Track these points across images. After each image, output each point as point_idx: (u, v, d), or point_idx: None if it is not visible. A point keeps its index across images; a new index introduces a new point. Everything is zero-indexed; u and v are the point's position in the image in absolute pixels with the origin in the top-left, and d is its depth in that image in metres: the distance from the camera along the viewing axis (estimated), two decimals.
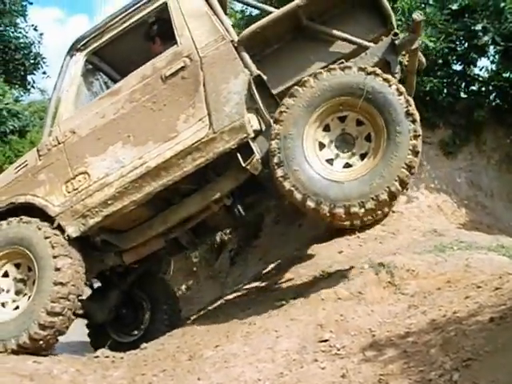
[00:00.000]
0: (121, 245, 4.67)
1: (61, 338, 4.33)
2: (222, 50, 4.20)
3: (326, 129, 3.92)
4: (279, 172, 3.79)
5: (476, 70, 7.41)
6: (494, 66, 7.25)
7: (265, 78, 4.12)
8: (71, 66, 4.64)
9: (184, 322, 5.33)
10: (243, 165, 4.09)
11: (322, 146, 3.90)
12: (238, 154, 4.12)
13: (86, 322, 5.40)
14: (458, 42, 6.93)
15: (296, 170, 3.76)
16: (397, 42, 4.02)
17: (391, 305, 3.76)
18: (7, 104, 11.03)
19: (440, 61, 6.98)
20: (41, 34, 13.77)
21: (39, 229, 4.26)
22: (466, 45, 6.96)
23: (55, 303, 4.07)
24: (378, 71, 3.79)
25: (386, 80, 3.76)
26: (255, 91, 4.08)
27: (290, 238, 6.62)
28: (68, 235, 4.31)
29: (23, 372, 3.51)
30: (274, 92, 4.20)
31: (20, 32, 13.29)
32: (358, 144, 3.87)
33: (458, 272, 3.96)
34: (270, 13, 4.39)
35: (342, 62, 3.94)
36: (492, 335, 2.73)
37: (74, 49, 4.65)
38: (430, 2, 7.08)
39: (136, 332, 5.47)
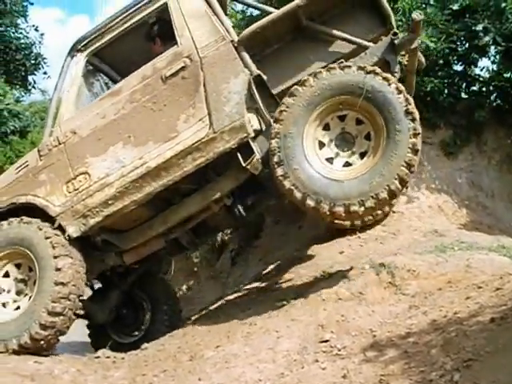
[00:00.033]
0: (121, 245, 4.67)
1: (62, 338, 4.33)
2: (222, 50, 4.21)
3: (326, 128, 3.93)
4: (279, 171, 3.80)
5: (477, 71, 7.42)
6: (494, 67, 7.25)
7: (265, 77, 4.13)
8: (72, 66, 4.65)
9: (185, 322, 5.33)
10: (243, 164, 4.10)
11: (321, 144, 3.90)
12: (238, 154, 4.13)
13: (86, 322, 5.40)
14: (458, 43, 6.93)
15: (296, 168, 3.76)
16: (396, 41, 4.03)
17: (392, 305, 3.76)
18: (8, 104, 11.04)
19: (441, 61, 6.97)
20: (42, 35, 13.79)
21: (40, 229, 4.27)
22: (467, 45, 6.95)
23: (56, 303, 4.07)
24: (378, 70, 3.80)
25: (385, 79, 3.76)
26: (255, 91, 4.09)
27: (290, 239, 6.62)
28: (69, 235, 4.32)
29: (24, 372, 3.52)
30: (274, 92, 4.21)
31: (21, 32, 13.30)
32: (358, 143, 3.87)
33: (459, 272, 3.96)
34: (270, 13, 4.39)
35: (342, 62, 3.95)
36: (493, 336, 2.73)
37: (74, 49, 4.66)
38: (431, 3, 7.07)
39: (136, 333, 5.47)
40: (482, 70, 7.37)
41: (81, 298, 4.33)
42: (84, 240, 4.45)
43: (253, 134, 4.11)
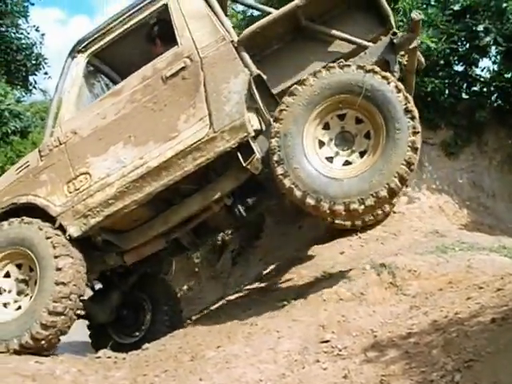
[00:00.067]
0: (122, 245, 4.67)
1: (63, 339, 4.34)
2: (222, 51, 4.22)
3: (326, 127, 3.94)
4: (279, 170, 3.81)
5: (478, 71, 7.41)
6: (495, 67, 7.24)
7: (265, 77, 4.14)
8: (73, 67, 4.66)
9: (186, 322, 5.33)
10: (244, 164, 4.11)
11: (321, 143, 3.91)
12: (239, 154, 4.13)
13: (87, 322, 5.40)
14: (459, 43, 6.92)
15: (296, 167, 3.77)
16: (395, 41, 4.05)
17: (393, 305, 3.76)
18: (9, 105, 11.03)
19: (441, 61, 6.97)
20: (42, 35, 13.78)
21: (40, 229, 4.27)
22: (468, 45, 6.94)
23: (57, 303, 4.07)
24: (377, 69, 3.81)
25: (384, 78, 3.77)
26: (255, 91, 4.10)
27: (291, 239, 6.62)
28: (69, 235, 4.32)
29: (25, 372, 3.51)
30: (274, 92, 4.22)
31: (22, 33, 13.28)
32: (358, 142, 3.88)
33: (460, 273, 3.96)
34: (270, 14, 4.40)
35: (342, 62, 3.96)
36: (494, 336, 2.73)
37: (75, 50, 4.67)
38: (432, 3, 7.06)
39: (137, 333, 5.47)
40: (482, 70, 7.38)
41: (81, 297, 4.34)
42: (85, 240, 4.46)
43: (253, 134, 4.12)
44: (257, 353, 3.48)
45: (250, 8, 7.37)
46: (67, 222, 4.34)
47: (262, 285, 5.62)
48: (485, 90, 7.33)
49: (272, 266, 6.26)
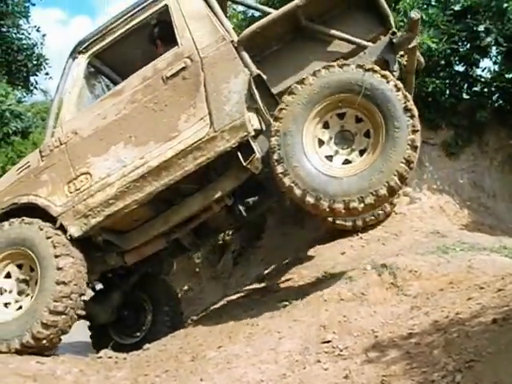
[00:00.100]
0: (123, 245, 4.68)
1: (64, 339, 4.34)
2: (222, 51, 4.24)
3: (326, 126, 3.96)
4: (279, 168, 3.82)
5: (478, 71, 7.39)
6: (496, 67, 7.22)
7: (264, 77, 4.15)
8: (73, 68, 4.69)
9: (186, 323, 5.33)
10: (244, 164, 4.12)
11: (321, 142, 3.93)
12: (239, 153, 4.15)
13: (88, 323, 5.41)
14: (460, 43, 6.90)
15: (296, 166, 3.79)
16: (395, 40, 4.07)
17: (394, 306, 3.76)
18: (10, 105, 11.04)
19: (442, 62, 6.96)
20: (43, 35, 13.80)
21: (41, 229, 4.29)
22: (469, 46, 6.93)
23: (58, 302, 4.09)
24: (376, 68, 3.83)
25: (383, 76, 3.79)
26: (255, 90, 4.12)
27: (292, 239, 6.61)
28: (70, 235, 4.34)
29: (26, 372, 3.53)
30: (275, 92, 4.23)
31: (23, 33, 13.30)
32: (357, 140, 3.90)
33: (461, 273, 3.95)
34: (270, 14, 4.41)
35: (341, 61, 3.97)
36: (495, 336, 2.73)
37: (76, 51, 4.70)
38: (432, 3, 7.05)
39: (138, 334, 5.48)
40: (483, 70, 7.36)
41: (82, 297, 4.34)
42: (85, 240, 4.47)
43: (253, 133, 4.13)
44: (258, 353, 3.48)
45: (249, 8, 7.39)
46: (68, 222, 4.36)
47: (263, 285, 5.61)
48: (485, 90, 7.32)
49: (273, 267, 6.26)
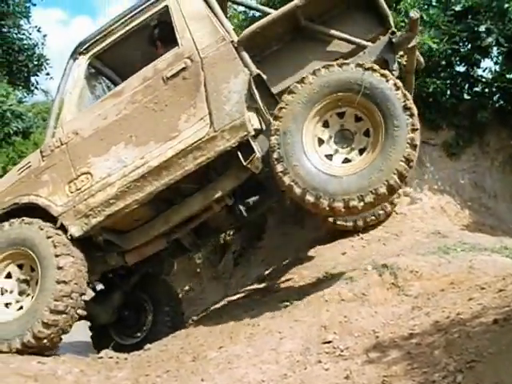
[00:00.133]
0: (123, 245, 4.69)
1: (64, 339, 4.34)
2: (222, 51, 4.25)
3: (325, 125, 3.97)
4: (279, 167, 3.83)
5: (479, 72, 7.38)
6: (497, 67, 7.22)
7: (264, 77, 4.16)
8: (74, 69, 4.71)
9: (187, 323, 5.33)
10: (244, 163, 4.13)
11: (321, 141, 3.94)
12: (239, 153, 4.16)
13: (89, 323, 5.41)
14: (461, 44, 6.89)
15: (295, 165, 3.80)
16: (394, 40, 4.08)
17: (395, 306, 3.76)
18: (11, 105, 11.05)
19: (443, 62, 6.95)
20: (44, 36, 13.82)
21: (41, 229, 4.30)
22: (470, 46, 6.92)
23: (58, 301, 4.10)
24: (376, 67, 3.84)
25: (383, 75, 3.80)
26: (255, 90, 4.13)
27: (293, 240, 6.61)
28: (71, 235, 4.35)
29: (27, 372, 3.53)
30: (275, 92, 4.24)
31: (23, 33, 13.32)
32: (357, 139, 3.91)
33: (462, 273, 3.95)
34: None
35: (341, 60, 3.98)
36: (496, 337, 2.73)
37: (76, 52, 4.72)
38: (433, 4, 7.06)
39: (138, 334, 5.48)
40: (484, 70, 7.36)
41: (83, 296, 4.35)
42: (86, 240, 4.47)
43: (253, 133, 4.14)
44: (259, 353, 3.48)
45: (249, 9, 7.40)
46: (68, 222, 4.36)
47: (264, 285, 5.61)
48: (486, 90, 7.31)
49: (274, 267, 6.26)
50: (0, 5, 12.48)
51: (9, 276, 4.41)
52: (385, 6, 4.23)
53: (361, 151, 3.87)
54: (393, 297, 3.91)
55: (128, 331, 5.50)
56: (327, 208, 3.72)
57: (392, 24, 4.27)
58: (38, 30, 13.57)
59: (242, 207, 4.68)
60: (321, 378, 3.00)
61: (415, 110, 3.72)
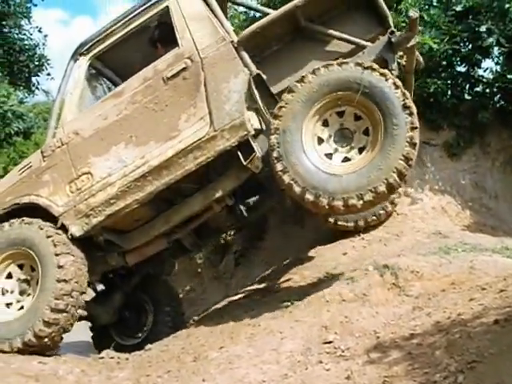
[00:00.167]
0: (124, 245, 4.69)
1: (66, 339, 4.35)
2: (222, 51, 4.26)
3: (325, 124, 3.98)
4: (278, 166, 3.84)
5: (480, 72, 7.37)
6: (498, 68, 7.21)
7: (264, 77, 4.16)
8: (75, 69, 4.72)
9: (188, 323, 5.33)
10: (244, 163, 4.14)
11: (320, 140, 3.94)
12: (239, 153, 4.16)
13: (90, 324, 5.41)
14: (462, 44, 6.89)
15: (295, 163, 3.81)
16: (393, 39, 4.09)
17: (396, 306, 3.76)
18: (12, 106, 11.07)
19: (444, 62, 6.95)
20: (45, 36, 13.84)
21: (41, 228, 4.31)
22: (470, 46, 6.92)
23: (59, 300, 4.10)
24: (375, 66, 3.86)
25: (382, 74, 3.81)
26: (255, 90, 4.14)
27: (294, 240, 6.61)
28: (71, 234, 4.35)
29: (28, 372, 3.53)
30: (275, 92, 4.25)
31: (24, 34, 13.35)
32: (357, 138, 3.92)
33: (463, 274, 3.95)
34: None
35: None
36: (497, 337, 2.72)
37: (77, 53, 4.74)
38: (434, 4, 7.06)
39: (139, 335, 5.48)
40: (485, 71, 7.34)
41: (84, 294, 4.35)
42: (87, 240, 4.48)
43: (253, 132, 4.16)
44: (259, 353, 3.48)
45: (249, 9, 7.41)
46: (69, 222, 4.37)
47: (265, 286, 5.61)
48: (487, 90, 7.30)
49: (274, 267, 6.26)
50: (1, 5, 12.49)
51: (9, 276, 4.41)
52: (384, 6, 4.24)
53: (360, 150, 3.88)
54: (394, 297, 3.90)
55: (129, 332, 5.51)
56: (327, 207, 3.73)
57: (391, 24, 4.28)
58: (39, 31, 13.62)
59: (242, 207, 4.69)
60: (322, 379, 3.00)
61: (414, 109, 3.73)
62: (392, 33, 4.10)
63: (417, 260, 4.29)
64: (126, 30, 4.63)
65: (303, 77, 3.94)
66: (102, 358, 4.33)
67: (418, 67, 4.79)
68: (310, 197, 3.75)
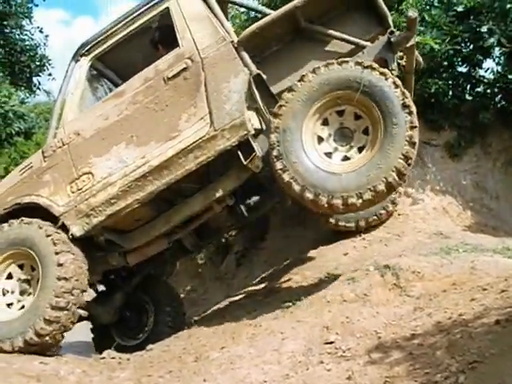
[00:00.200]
0: (125, 245, 4.70)
1: (67, 339, 4.35)
2: (222, 51, 4.28)
3: (325, 123, 3.99)
4: (278, 164, 3.85)
5: (481, 72, 7.37)
6: (499, 68, 7.20)
7: (264, 77, 4.17)
8: (76, 70, 4.74)
9: (189, 323, 5.34)
10: (244, 163, 4.15)
11: (320, 139, 3.95)
12: (239, 152, 4.17)
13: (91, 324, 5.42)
14: (463, 44, 6.89)
15: (295, 162, 3.82)
16: (393, 39, 4.11)
17: (397, 307, 3.76)
18: (13, 106, 11.08)
19: (445, 63, 6.95)
20: (46, 36, 13.85)
21: (40, 228, 4.31)
22: (472, 46, 6.92)
23: (60, 298, 4.10)
24: (375, 65, 3.87)
25: (382, 73, 3.82)
26: (255, 90, 4.15)
27: (295, 241, 6.62)
28: (72, 234, 4.36)
29: (30, 373, 3.52)
30: (275, 92, 4.26)
31: (26, 34, 13.37)
32: (356, 137, 3.93)
33: (464, 274, 3.95)
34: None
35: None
36: (498, 338, 2.72)
37: (78, 54, 4.76)
38: (435, 4, 7.06)
39: (140, 335, 5.48)
40: (486, 71, 7.33)
41: (84, 293, 4.35)
42: (88, 240, 4.49)
43: (253, 132, 4.17)
44: (261, 354, 3.48)
45: (248, 10, 7.42)
46: (70, 222, 4.38)
47: (266, 286, 5.62)
48: (488, 91, 7.31)
49: (276, 268, 6.26)
50: (2, 5, 12.51)
51: (10, 277, 4.41)
52: (383, 6, 4.25)
53: (360, 149, 3.89)
54: (395, 297, 3.90)
55: (129, 333, 5.50)
56: (326, 205, 3.74)
57: (391, 24, 4.28)
58: (40, 31, 13.64)
59: (242, 208, 4.69)
60: (323, 379, 3.00)
61: (414, 108, 3.74)
62: (391, 33, 4.12)
63: (418, 260, 4.28)
64: (126, 31, 4.65)
65: (303, 76, 3.95)
66: (104, 358, 4.33)
67: (418, 67, 4.80)
68: (309, 195, 3.76)
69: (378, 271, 4.20)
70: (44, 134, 13.13)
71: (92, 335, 5.54)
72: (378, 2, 4.22)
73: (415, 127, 3.69)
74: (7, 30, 12.93)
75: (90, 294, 4.87)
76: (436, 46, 6.41)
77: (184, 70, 4.30)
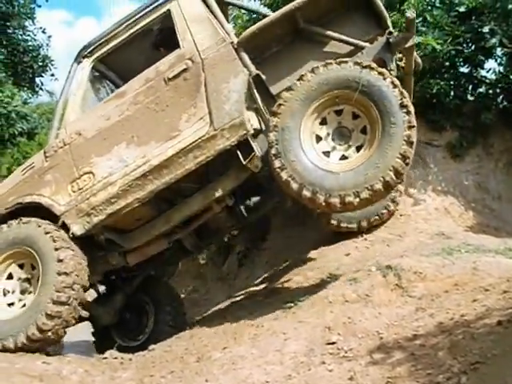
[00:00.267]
0: (125, 244, 4.72)
1: (69, 339, 4.35)
2: (222, 52, 4.31)
3: (323, 122, 4.00)
4: (277, 163, 3.87)
5: (483, 72, 7.39)
6: (501, 68, 7.22)
7: (264, 77, 4.19)
8: (78, 71, 4.78)
9: (190, 324, 5.34)
10: (243, 162, 4.16)
11: (318, 138, 3.97)
12: (239, 152, 4.19)
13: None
14: (465, 45, 6.90)
15: (293, 160, 3.83)
16: (391, 40, 4.14)
17: (399, 307, 3.76)
18: (16, 106, 11.08)
19: (447, 63, 6.96)
20: (49, 37, 13.85)
21: (39, 226, 4.34)
22: (473, 47, 6.92)
23: (61, 292, 4.11)
24: (373, 65, 3.88)
25: (380, 73, 3.84)
26: (254, 90, 4.17)
27: (297, 241, 6.62)
28: (73, 233, 4.38)
29: (33, 372, 3.53)
30: (274, 92, 4.28)
31: (28, 35, 13.36)
32: (354, 136, 3.95)
33: (466, 275, 3.94)
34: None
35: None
36: (500, 338, 2.72)
37: (80, 55, 4.81)
38: (437, 5, 7.06)
39: (141, 336, 5.49)
40: (488, 71, 7.35)
41: (85, 288, 4.36)
42: (88, 239, 4.51)
43: (252, 131, 4.19)
44: (263, 354, 3.48)
45: (248, 11, 7.44)
46: (71, 221, 4.41)
47: (268, 286, 5.62)
48: (490, 91, 7.31)
49: (277, 268, 6.26)
50: (5, 6, 12.52)
51: (10, 277, 4.43)
52: (382, 8, 4.27)
53: (358, 148, 3.91)
54: (397, 298, 3.90)
55: (130, 334, 5.51)
56: (323, 203, 3.76)
57: (390, 25, 4.30)
58: (43, 32, 13.62)
59: (242, 208, 4.71)
60: (325, 379, 3.00)
61: (412, 108, 3.75)
62: (390, 33, 4.14)
63: (420, 261, 4.28)
64: (128, 33, 4.69)
65: (302, 75, 3.97)
66: (106, 358, 4.33)
67: (417, 69, 4.81)
68: (307, 193, 3.77)
69: (380, 272, 4.20)
70: (46, 134, 13.11)
71: (93, 339, 5.54)
72: (377, 3, 4.23)
73: (413, 127, 3.70)
74: (10, 31, 12.93)
75: (90, 295, 4.88)
76: (438, 47, 6.41)
77: (184, 70, 4.34)
